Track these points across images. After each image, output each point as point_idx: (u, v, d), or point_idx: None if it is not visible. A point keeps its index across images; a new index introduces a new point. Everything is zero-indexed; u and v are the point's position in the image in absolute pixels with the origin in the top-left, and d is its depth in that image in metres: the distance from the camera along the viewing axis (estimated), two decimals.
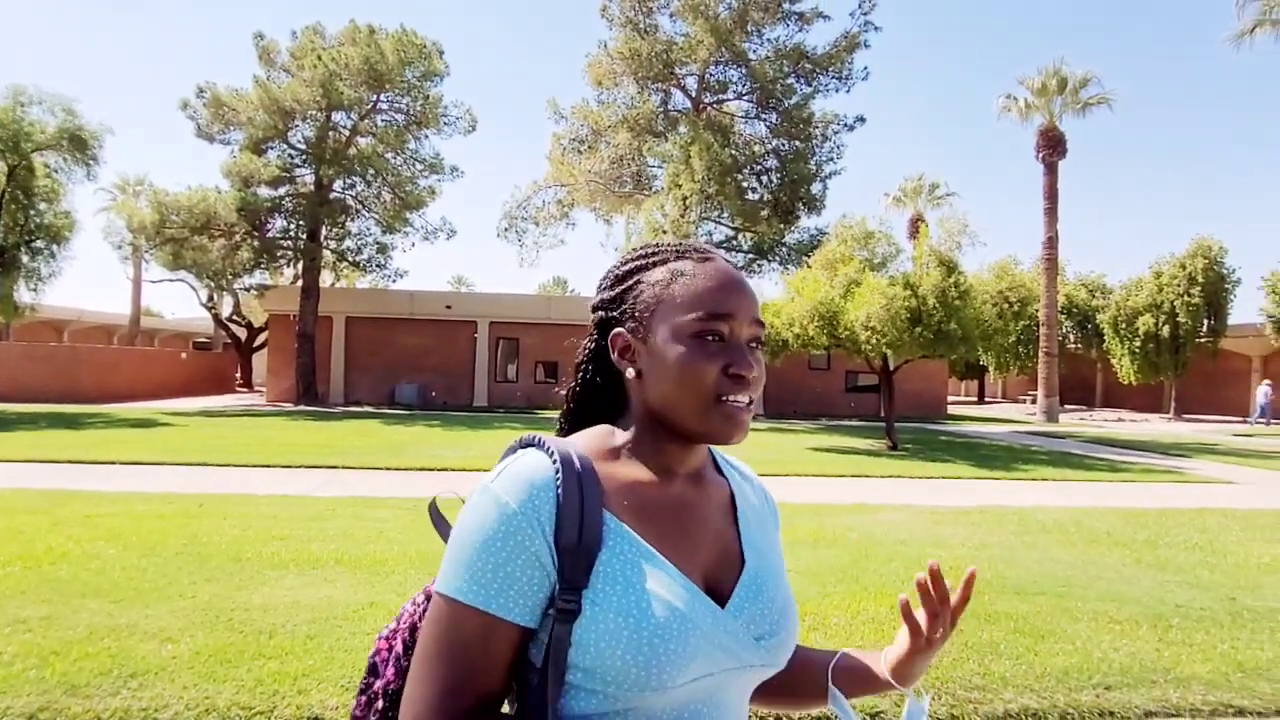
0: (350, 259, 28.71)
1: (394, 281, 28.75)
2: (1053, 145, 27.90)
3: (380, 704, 0.85)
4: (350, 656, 3.55)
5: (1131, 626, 4.31)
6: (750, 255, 27.09)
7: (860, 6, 25.15)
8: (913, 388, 26.59)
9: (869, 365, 15.55)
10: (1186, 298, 28.75)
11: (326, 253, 27.81)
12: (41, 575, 4.80)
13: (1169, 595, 4.98)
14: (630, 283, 0.92)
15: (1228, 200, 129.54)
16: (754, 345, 0.88)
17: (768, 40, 25.66)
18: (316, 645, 3.69)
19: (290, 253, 27.53)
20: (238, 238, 26.21)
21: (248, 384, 38.84)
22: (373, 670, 0.89)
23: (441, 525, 0.95)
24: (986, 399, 46.43)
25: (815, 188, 25.70)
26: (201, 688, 3.18)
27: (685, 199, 23.12)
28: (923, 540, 6.60)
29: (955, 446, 16.31)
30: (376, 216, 27.96)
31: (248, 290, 30.69)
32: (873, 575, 5.29)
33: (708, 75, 26.04)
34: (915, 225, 30.82)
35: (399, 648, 0.88)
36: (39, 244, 22.32)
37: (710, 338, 0.85)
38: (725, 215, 26.01)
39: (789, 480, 10.39)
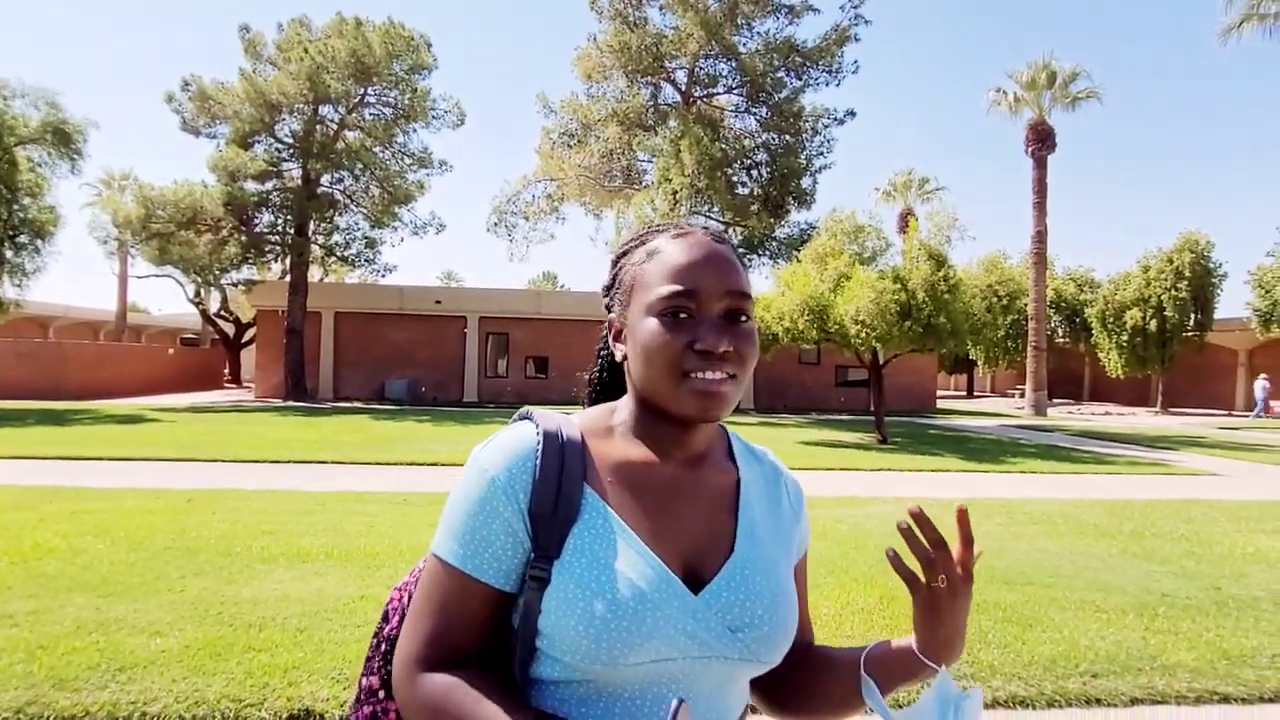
0: (339, 254, 28.46)
1: (383, 276, 28.59)
2: (1042, 139, 27.98)
3: (383, 647, 0.92)
4: (340, 649, 3.54)
5: (1118, 615, 4.35)
6: (740, 249, 26.99)
7: (850, 0, 25.18)
8: (902, 382, 26.69)
9: (859, 359, 15.60)
10: (1174, 292, 28.96)
11: (315, 248, 27.58)
12: (28, 570, 4.77)
13: (1155, 585, 5.04)
14: (618, 267, 0.94)
15: (1215, 194, 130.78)
16: (735, 318, 0.85)
17: (758, 33, 25.63)
18: (306, 638, 3.68)
19: (278, 248, 27.27)
20: (225, 232, 25.97)
21: (236, 380, 38.59)
22: (385, 618, 0.94)
23: None
24: (975, 393, 46.72)
25: (805, 182, 25.69)
26: (191, 681, 3.17)
27: (675, 193, 23.08)
28: None
29: (944, 440, 16.40)
30: (365, 211, 27.71)
31: (235, 285, 30.34)
32: (862, 567, 5.32)
33: (698, 69, 25.99)
34: (905, 219, 30.84)
35: (406, 601, 0.93)
36: (23, 239, 21.99)
37: (679, 314, 0.83)
38: (715, 209, 25.96)
39: None
